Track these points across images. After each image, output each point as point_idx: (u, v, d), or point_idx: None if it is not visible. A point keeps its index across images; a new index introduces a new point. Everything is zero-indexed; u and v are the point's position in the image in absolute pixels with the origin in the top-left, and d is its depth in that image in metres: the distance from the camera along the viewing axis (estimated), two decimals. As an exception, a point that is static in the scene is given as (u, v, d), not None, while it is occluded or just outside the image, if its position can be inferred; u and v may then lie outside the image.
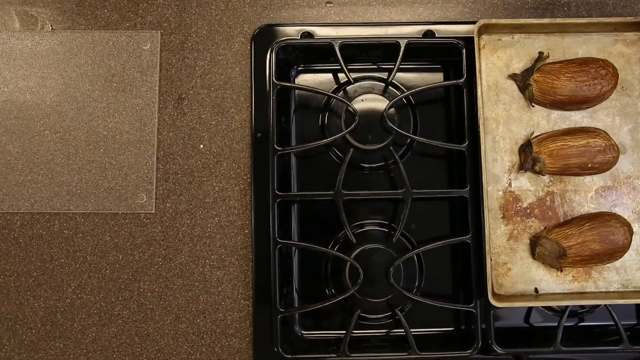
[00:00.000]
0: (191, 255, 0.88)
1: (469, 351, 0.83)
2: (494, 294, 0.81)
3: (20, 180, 0.88)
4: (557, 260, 0.81)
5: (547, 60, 0.85)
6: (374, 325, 0.88)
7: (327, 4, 0.91)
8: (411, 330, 0.83)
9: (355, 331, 0.85)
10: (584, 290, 0.84)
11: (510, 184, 0.85)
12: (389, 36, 0.89)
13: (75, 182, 0.88)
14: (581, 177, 0.85)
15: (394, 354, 0.84)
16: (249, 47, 0.90)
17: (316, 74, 0.91)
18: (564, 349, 0.83)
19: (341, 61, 0.85)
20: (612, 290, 0.84)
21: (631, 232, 0.82)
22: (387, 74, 0.90)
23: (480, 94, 0.83)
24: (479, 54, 0.85)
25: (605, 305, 0.84)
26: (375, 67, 0.91)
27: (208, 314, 0.87)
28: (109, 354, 0.87)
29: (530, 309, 0.88)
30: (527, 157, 0.83)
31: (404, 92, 0.89)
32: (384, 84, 0.89)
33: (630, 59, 0.86)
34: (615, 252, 0.82)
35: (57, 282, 0.87)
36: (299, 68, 0.91)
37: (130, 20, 0.91)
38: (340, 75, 0.91)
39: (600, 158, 0.82)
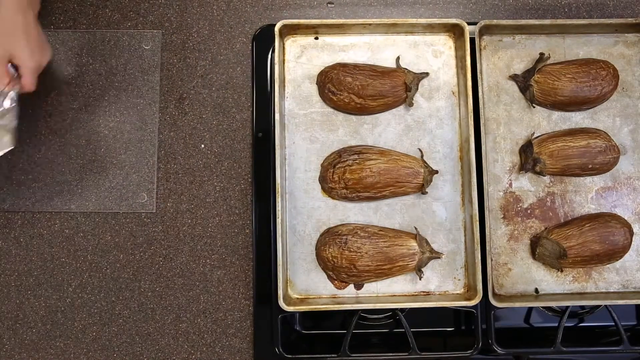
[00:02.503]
0: (192, 254, 0.88)
1: (469, 351, 0.83)
2: (495, 294, 0.82)
3: (21, 179, 0.88)
4: (557, 260, 0.81)
5: (548, 61, 0.85)
6: (375, 325, 0.88)
7: (329, 4, 0.92)
8: (411, 330, 0.83)
9: (355, 331, 0.85)
10: (584, 290, 0.84)
11: (510, 185, 0.85)
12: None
13: (76, 181, 0.88)
14: (582, 178, 0.85)
15: (394, 354, 0.84)
16: (250, 47, 0.90)
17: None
18: (564, 349, 0.83)
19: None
20: (612, 290, 0.84)
21: (631, 233, 0.82)
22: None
23: (482, 95, 0.84)
24: (480, 54, 0.85)
25: (606, 305, 0.84)
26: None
27: (209, 313, 0.87)
28: (109, 353, 0.87)
29: (530, 309, 0.88)
30: (528, 158, 0.83)
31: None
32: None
33: (630, 60, 0.87)
34: (615, 253, 0.82)
35: (58, 281, 0.87)
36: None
37: (131, 20, 0.91)
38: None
39: (600, 159, 0.83)
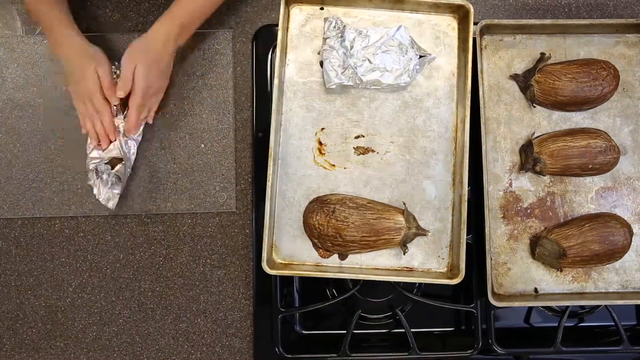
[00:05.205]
0: (192, 254, 0.88)
1: (469, 351, 0.83)
2: (494, 294, 0.82)
3: (21, 178, 0.88)
4: (557, 260, 0.81)
5: (549, 61, 0.85)
6: (375, 325, 0.88)
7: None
8: (411, 330, 0.83)
9: (355, 331, 0.85)
10: (583, 290, 0.84)
11: (511, 184, 0.85)
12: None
13: (76, 182, 0.88)
14: (582, 178, 0.85)
15: (394, 354, 0.84)
16: (250, 47, 0.90)
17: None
18: (564, 349, 0.83)
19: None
20: (611, 291, 0.84)
21: (631, 233, 0.82)
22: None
23: (482, 94, 0.83)
24: (481, 54, 0.85)
25: (606, 305, 0.84)
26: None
27: (209, 313, 0.87)
28: (109, 353, 0.87)
29: (530, 309, 0.88)
30: (528, 158, 0.83)
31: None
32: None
33: (631, 61, 0.86)
34: (615, 253, 0.82)
35: (58, 281, 0.87)
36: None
37: (131, 20, 0.91)
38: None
39: (600, 159, 0.83)
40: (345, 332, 0.84)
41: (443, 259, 0.82)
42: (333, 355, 0.83)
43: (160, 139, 0.89)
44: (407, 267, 0.81)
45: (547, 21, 0.85)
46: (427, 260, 0.82)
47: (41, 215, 0.88)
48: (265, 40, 0.89)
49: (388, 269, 0.81)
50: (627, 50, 0.87)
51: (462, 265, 0.78)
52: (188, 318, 0.87)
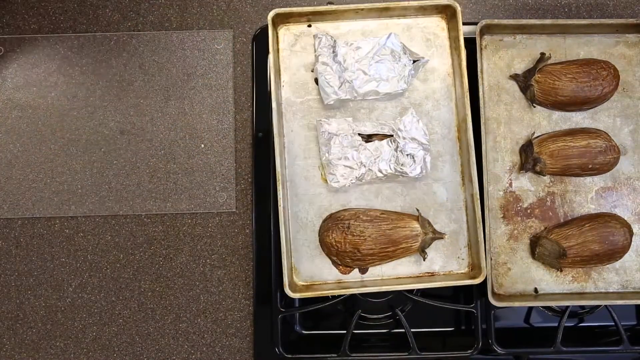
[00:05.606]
0: (192, 254, 0.88)
1: (469, 351, 0.83)
2: (494, 294, 0.82)
3: (21, 178, 0.88)
4: (557, 260, 0.81)
5: (549, 61, 0.85)
6: (375, 325, 0.88)
7: (329, 4, 0.91)
8: (411, 330, 0.83)
9: (355, 331, 0.85)
10: (583, 290, 0.84)
11: (511, 184, 0.85)
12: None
13: (76, 182, 0.88)
14: (582, 178, 0.85)
15: (394, 354, 0.84)
16: (250, 47, 0.90)
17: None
18: (564, 349, 0.83)
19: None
20: (611, 291, 0.84)
21: (631, 233, 0.82)
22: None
23: (482, 94, 0.83)
24: (481, 54, 0.85)
25: (606, 305, 0.84)
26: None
27: (209, 313, 0.87)
28: (109, 353, 0.87)
29: (530, 309, 0.88)
30: (528, 158, 0.83)
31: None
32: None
33: (631, 61, 0.86)
34: (615, 253, 0.82)
35: (58, 281, 0.87)
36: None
37: (131, 20, 0.91)
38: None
39: (600, 159, 0.83)
40: (345, 332, 0.84)
41: (463, 259, 0.82)
42: (333, 355, 0.83)
43: (160, 138, 0.89)
44: (428, 273, 0.82)
45: (547, 21, 0.85)
46: (447, 263, 0.82)
47: (41, 215, 0.88)
48: (265, 40, 0.89)
49: (410, 277, 0.81)
50: (627, 50, 0.87)
51: (483, 264, 0.78)
52: (188, 318, 0.87)
